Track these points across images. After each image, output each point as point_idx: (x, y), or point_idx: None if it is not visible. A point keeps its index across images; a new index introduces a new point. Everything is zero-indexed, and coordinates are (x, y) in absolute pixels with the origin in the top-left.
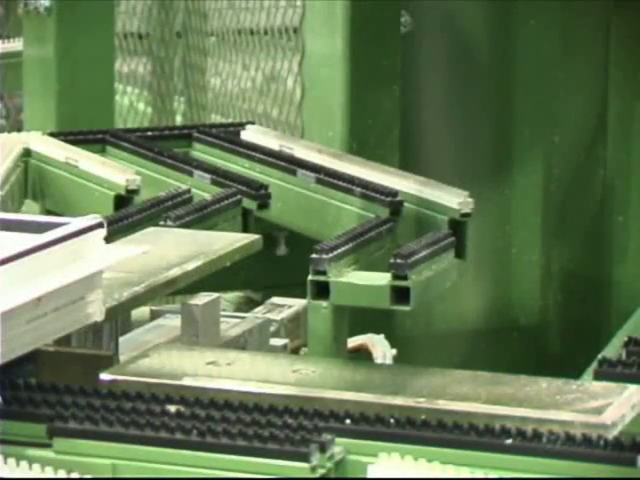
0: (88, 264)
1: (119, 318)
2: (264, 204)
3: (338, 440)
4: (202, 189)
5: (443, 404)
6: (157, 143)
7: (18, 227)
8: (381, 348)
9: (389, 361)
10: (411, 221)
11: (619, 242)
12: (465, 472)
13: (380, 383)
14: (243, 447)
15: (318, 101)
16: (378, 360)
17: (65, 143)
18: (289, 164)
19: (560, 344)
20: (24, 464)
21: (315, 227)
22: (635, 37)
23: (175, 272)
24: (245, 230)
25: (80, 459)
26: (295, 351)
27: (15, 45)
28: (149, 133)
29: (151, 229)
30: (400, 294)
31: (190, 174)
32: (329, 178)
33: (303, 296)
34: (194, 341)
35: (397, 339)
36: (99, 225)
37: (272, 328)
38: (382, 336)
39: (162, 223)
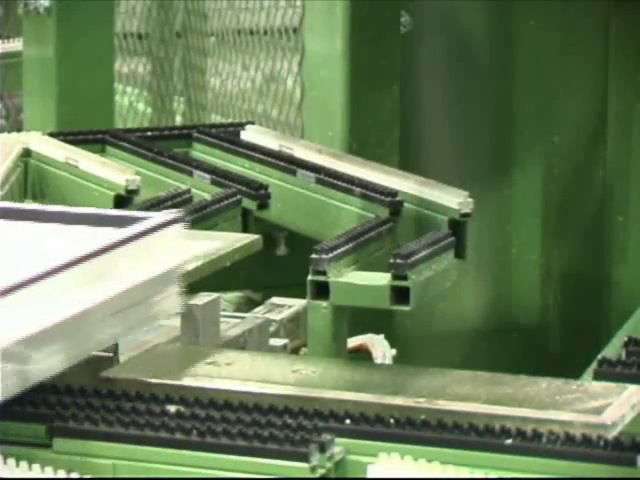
0: (167, 259)
1: None
2: (264, 204)
3: (338, 440)
4: (202, 189)
5: (443, 404)
6: (157, 143)
7: (98, 221)
8: (381, 348)
9: (389, 361)
10: (411, 221)
11: (619, 242)
12: (465, 472)
13: (380, 383)
14: (243, 447)
15: (318, 101)
16: (378, 360)
17: (65, 143)
18: (289, 164)
19: (560, 344)
20: (24, 464)
21: (315, 227)
22: (635, 37)
23: None
24: (245, 230)
25: (80, 459)
26: (295, 351)
27: (15, 45)
28: (149, 133)
29: None
30: (400, 294)
31: (190, 174)
32: (329, 178)
33: (303, 296)
34: (194, 341)
35: (397, 339)
36: (177, 220)
37: (272, 328)
38: (382, 336)
39: None
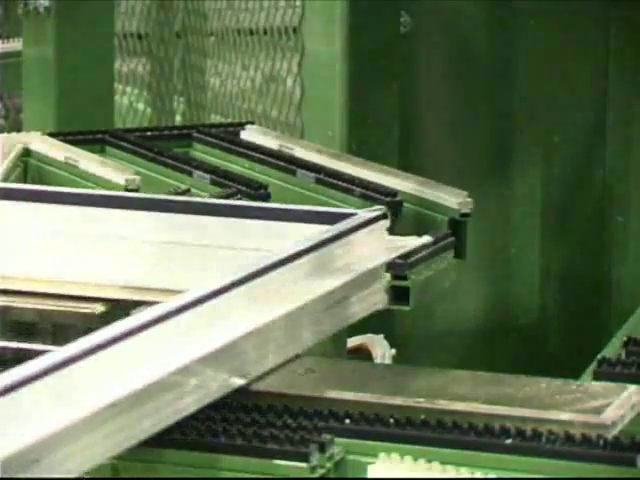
0: (373, 255)
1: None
2: None
3: (338, 440)
4: (202, 189)
5: (443, 404)
6: (157, 143)
7: (309, 218)
8: (380, 348)
9: (388, 361)
10: (411, 221)
11: (619, 242)
12: (465, 472)
13: (380, 383)
14: (242, 447)
15: (318, 101)
16: (378, 360)
17: (65, 143)
18: (289, 164)
19: (560, 344)
20: None
21: None
22: (635, 37)
23: None
24: None
25: None
26: None
27: (15, 45)
28: (149, 133)
29: None
30: (399, 294)
31: (190, 174)
32: (329, 178)
33: None
34: None
35: (397, 339)
36: (384, 216)
37: None
38: (382, 336)
39: None
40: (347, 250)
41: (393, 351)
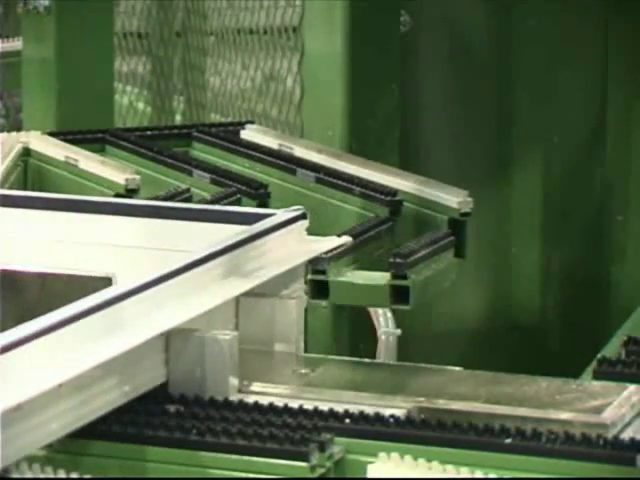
0: (292, 256)
1: None
2: (264, 203)
3: (337, 439)
4: (201, 188)
5: (443, 404)
6: (157, 142)
7: (225, 219)
8: (384, 322)
9: (391, 324)
10: (410, 220)
11: (619, 242)
12: (465, 472)
13: (380, 383)
14: (242, 446)
15: (318, 101)
16: (381, 336)
17: (65, 142)
18: (289, 163)
19: (560, 344)
20: (24, 464)
21: (315, 227)
22: (635, 37)
23: None
24: None
25: (80, 459)
26: None
27: (14, 44)
28: (149, 132)
29: None
30: (399, 293)
31: (189, 173)
32: (329, 177)
33: None
34: None
35: (397, 339)
36: (303, 216)
37: None
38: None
39: None
40: (264, 251)
41: (399, 331)
